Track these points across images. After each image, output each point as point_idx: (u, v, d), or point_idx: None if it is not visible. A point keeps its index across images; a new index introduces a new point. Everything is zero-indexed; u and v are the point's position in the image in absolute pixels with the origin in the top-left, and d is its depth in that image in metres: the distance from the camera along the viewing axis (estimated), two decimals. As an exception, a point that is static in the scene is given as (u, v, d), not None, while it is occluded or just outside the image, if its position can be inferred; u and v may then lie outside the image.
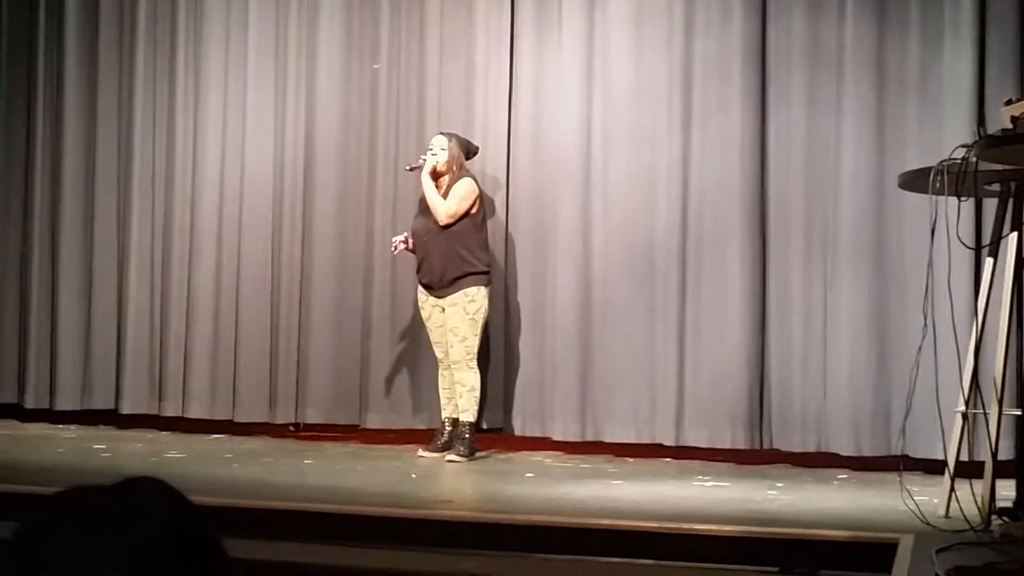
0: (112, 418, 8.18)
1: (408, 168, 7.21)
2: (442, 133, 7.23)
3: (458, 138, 7.18)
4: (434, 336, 7.14)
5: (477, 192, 7.08)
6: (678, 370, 7.20)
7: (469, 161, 7.21)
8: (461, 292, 6.96)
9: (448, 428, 7.09)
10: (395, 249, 7.18)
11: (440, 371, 7.16)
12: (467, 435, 6.97)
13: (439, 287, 7.01)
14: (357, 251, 7.87)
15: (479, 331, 7.00)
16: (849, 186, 6.95)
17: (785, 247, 7.10)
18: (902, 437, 5.49)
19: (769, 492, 5.91)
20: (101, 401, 8.25)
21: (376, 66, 7.89)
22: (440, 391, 7.17)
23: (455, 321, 6.96)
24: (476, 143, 7.36)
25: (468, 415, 6.98)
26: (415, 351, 7.60)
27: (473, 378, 6.98)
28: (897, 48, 6.89)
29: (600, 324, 7.36)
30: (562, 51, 7.53)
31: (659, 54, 7.34)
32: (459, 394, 6.99)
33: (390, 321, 7.78)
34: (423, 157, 7.11)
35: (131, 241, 8.27)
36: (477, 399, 7.00)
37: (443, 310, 7.01)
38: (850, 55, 6.97)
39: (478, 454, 7.03)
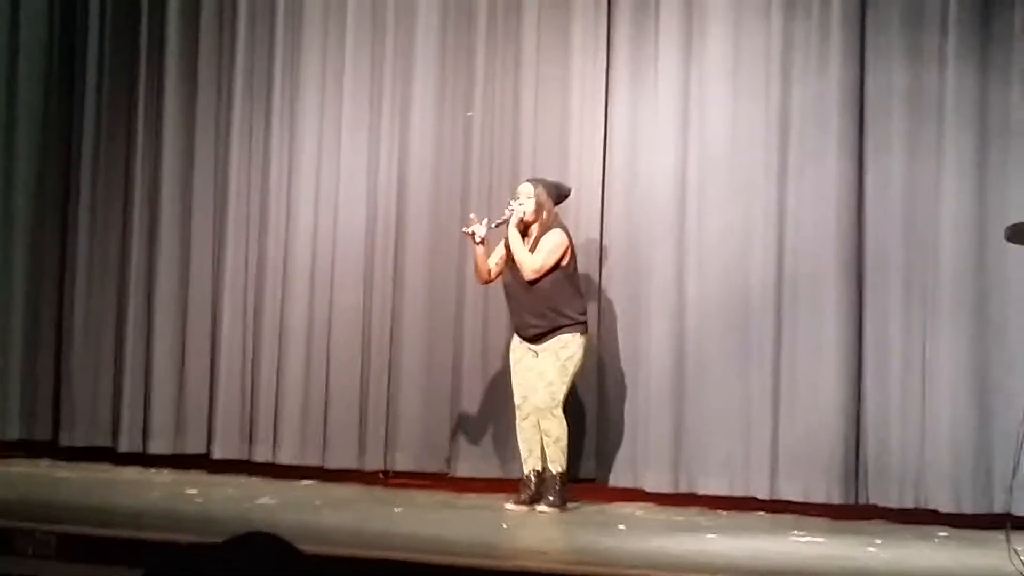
0: (204, 462, 8.21)
1: (495, 225, 7.01)
2: (528, 180, 7.14)
3: (545, 183, 7.07)
4: (516, 378, 6.99)
5: (567, 243, 6.95)
6: (772, 422, 7.08)
7: (564, 204, 7.14)
8: (555, 339, 6.86)
9: (533, 480, 6.93)
10: (472, 233, 6.96)
11: (517, 422, 6.99)
12: (557, 485, 6.85)
13: (533, 340, 6.91)
14: (448, 298, 7.85)
15: (568, 380, 6.89)
16: (949, 236, 6.82)
17: (883, 297, 6.98)
18: (1009, 495, 5.35)
19: (868, 549, 5.78)
20: (193, 445, 8.29)
21: (470, 114, 7.89)
22: (519, 443, 7.00)
23: (545, 365, 6.85)
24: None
25: (556, 466, 6.86)
26: (506, 400, 7.52)
27: (558, 428, 6.84)
28: (999, 96, 6.78)
29: (694, 374, 7.27)
30: (658, 99, 7.48)
31: (755, 103, 7.27)
32: (545, 444, 6.87)
33: (481, 369, 7.74)
34: (508, 209, 6.98)
35: (224, 287, 8.33)
36: (564, 449, 6.86)
37: (536, 355, 6.90)
38: (951, 103, 6.85)
39: (570, 504, 6.94)
